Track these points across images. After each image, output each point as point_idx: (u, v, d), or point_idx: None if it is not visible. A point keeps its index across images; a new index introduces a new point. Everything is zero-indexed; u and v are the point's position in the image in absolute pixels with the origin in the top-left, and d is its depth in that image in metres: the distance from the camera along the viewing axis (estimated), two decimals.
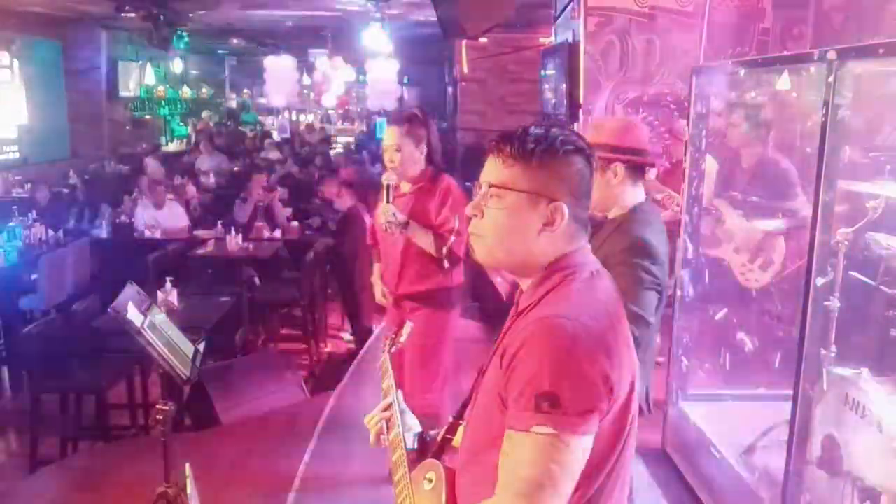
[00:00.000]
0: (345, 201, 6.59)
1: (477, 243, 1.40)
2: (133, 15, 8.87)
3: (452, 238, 3.25)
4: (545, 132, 1.35)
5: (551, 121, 1.43)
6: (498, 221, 1.36)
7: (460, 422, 1.57)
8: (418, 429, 1.69)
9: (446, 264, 3.28)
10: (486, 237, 1.38)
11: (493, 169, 1.36)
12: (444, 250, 3.25)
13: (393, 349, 1.83)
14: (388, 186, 3.19)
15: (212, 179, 9.75)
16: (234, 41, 14.73)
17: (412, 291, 3.38)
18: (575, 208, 1.35)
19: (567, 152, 1.34)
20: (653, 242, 2.31)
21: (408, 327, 1.84)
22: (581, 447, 1.23)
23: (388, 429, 1.66)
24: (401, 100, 13.18)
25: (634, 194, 2.42)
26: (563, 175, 1.34)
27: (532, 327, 1.27)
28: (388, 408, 1.70)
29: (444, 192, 3.30)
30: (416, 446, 1.64)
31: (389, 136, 3.31)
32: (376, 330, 6.24)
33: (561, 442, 1.20)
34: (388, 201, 3.19)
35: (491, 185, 1.36)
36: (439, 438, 1.60)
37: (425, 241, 3.26)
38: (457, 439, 1.59)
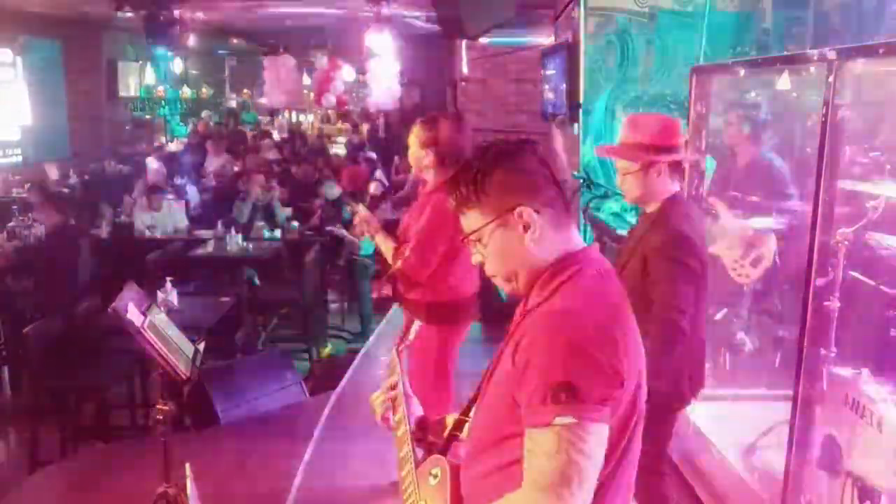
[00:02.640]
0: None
1: (500, 284, 1.48)
2: (131, 14, 8.84)
3: (407, 253, 3.12)
4: (467, 168, 1.45)
5: (479, 150, 1.49)
6: (493, 258, 1.45)
7: (466, 419, 1.58)
8: (420, 412, 1.71)
9: (395, 281, 3.26)
10: (497, 275, 1.47)
11: (463, 222, 1.47)
12: (397, 265, 3.17)
13: (401, 347, 1.84)
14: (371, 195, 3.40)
15: (212, 181, 9.73)
16: (234, 41, 14.70)
17: (405, 297, 3.27)
18: (536, 201, 1.41)
19: (492, 169, 1.42)
20: (690, 234, 2.43)
21: (416, 326, 1.85)
22: (602, 434, 1.25)
23: (393, 409, 1.69)
24: (401, 100, 13.12)
25: (672, 186, 2.55)
26: (505, 186, 1.41)
27: (542, 322, 1.31)
28: (393, 387, 1.72)
29: (430, 207, 3.14)
30: (415, 428, 1.66)
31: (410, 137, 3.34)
32: (377, 329, 6.24)
33: (583, 430, 1.22)
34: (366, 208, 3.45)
35: (469, 236, 1.46)
36: (446, 434, 1.61)
37: (385, 249, 3.28)
38: (463, 436, 1.60)
